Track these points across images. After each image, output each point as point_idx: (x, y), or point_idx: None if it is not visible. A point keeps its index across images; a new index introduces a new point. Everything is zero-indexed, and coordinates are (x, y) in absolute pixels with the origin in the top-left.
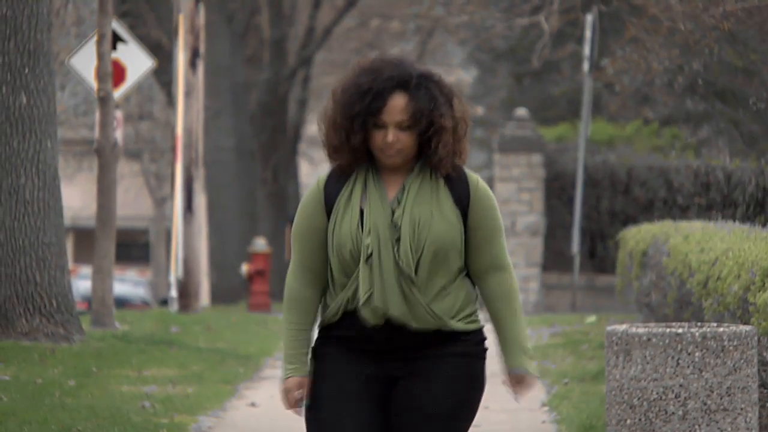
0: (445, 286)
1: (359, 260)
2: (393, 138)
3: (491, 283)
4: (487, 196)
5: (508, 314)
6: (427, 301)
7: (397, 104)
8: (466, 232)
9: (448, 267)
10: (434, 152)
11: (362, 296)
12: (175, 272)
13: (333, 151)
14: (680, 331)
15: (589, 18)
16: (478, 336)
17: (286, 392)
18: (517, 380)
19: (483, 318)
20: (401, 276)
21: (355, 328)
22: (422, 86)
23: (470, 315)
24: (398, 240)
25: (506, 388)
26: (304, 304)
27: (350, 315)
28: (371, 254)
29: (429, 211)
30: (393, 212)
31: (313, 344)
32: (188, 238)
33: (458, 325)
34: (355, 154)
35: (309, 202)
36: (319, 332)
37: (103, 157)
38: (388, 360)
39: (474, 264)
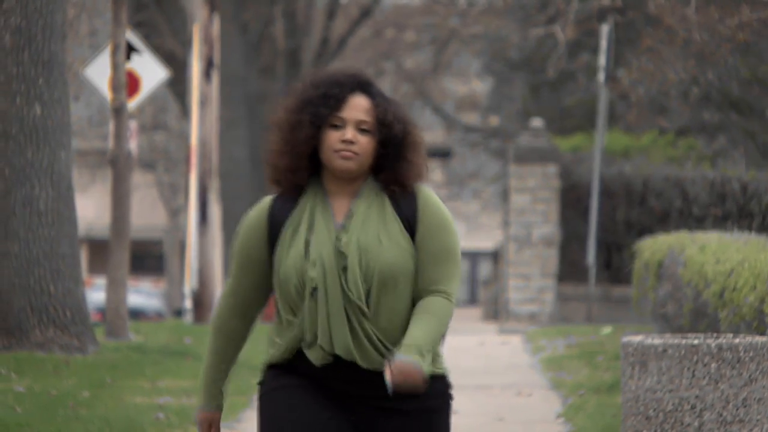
0: (402, 319)
1: (305, 296)
2: (352, 136)
3: (423, 300)
4: (438, 212)
5: (420, 318)
6: (383, 336)
7: (360, 103)
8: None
9: (402, 297)
10: (398, 166)
11: (307, 338)
12: (190, 283)
13: (275, 154)
14: (696, 342)
15: (605, 28)
16: (443, 384)
17: (200, 425)
18: (398, 368)
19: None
20: (350, 308)
21: (308, 365)
22: (385, 96)
23: (434, 358)
24: (345, 269)
25: (385, 376)
26: (229, 335)
27: (301, 354)
28: (315, 288)
29: (376, 236)
30: (340, 239)
31: (261, 378)
32: (202, 249)
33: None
34: (296, 158)
35: (251, 228)
36: (270, 371)
37: (118, 167)
38: (351, 398)
39: (415, 288)
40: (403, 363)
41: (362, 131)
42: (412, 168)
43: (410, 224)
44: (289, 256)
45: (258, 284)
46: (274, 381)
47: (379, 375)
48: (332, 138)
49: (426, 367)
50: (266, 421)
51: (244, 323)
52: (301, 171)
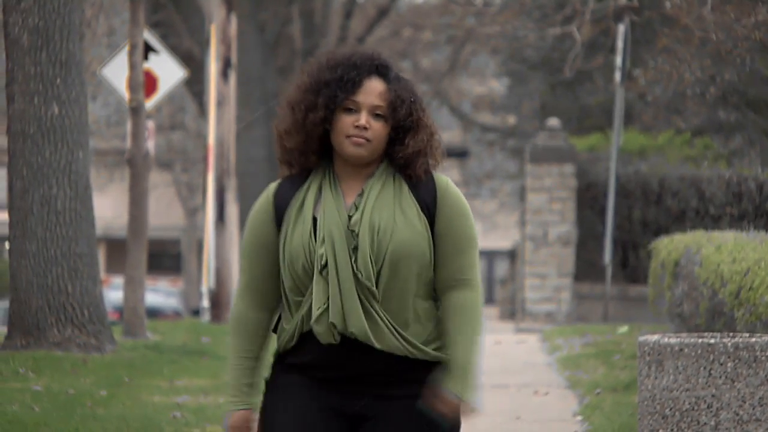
0: (413, 304)
1: (313, 274)
2: (366, 122)
3: (452, 298)
4: (458, 200)
5: (463, 333)
6: (393, 320)
7: (375, 87)
8: (433, 241)
9: (415, 282)
10: (409, 148)
11: (315, 312)
12: (207, 282)
13: (284, 134)
14: (712, 341)
15: (621, 28)
16: None
17: (233, 429)
18: (444, 402)
19: None
20: (360, 289)
21: (313, 353)
22: (401, 79)
23: (442, 347)
24: (356, 249)
25: (423, 404)
26: (250, 329)
27: (307, 337)
28: (326, 265)
29: (391, 216)
30: (350, 218)
31: (268, 373)
32: (220, 248)
33: (432, 353)
34: (307, 139)
35: (258, 214)
36: (276, 360)
37: (135, 167)
38: (353, 392)
39: (437, 277)
40: (451, 401)
41: (376, 116)
42: (417, 150)
43: (429, 210)
44: (295, 233)
45: (272, 272)
46: (279, 374)
47: (388, 357)
48: (345, 122)
49: (472, 398)
50: (263, 421)
51: (263, 315)
52: (312, 153)
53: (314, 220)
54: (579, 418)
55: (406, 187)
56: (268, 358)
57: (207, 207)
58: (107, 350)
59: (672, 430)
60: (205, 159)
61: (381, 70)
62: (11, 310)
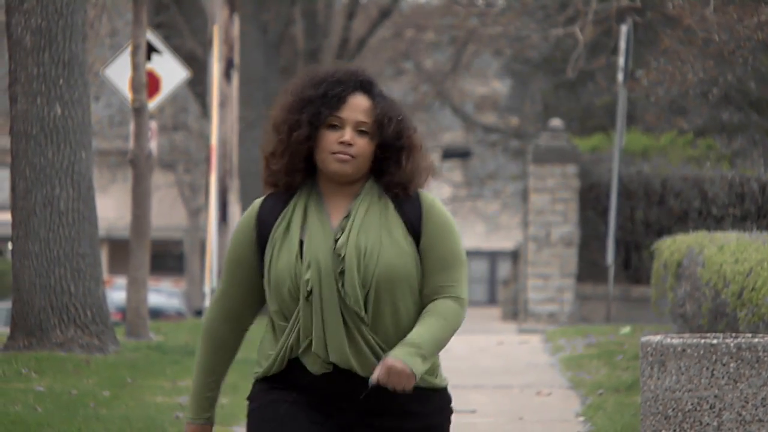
0: (402, 326)
1: (299, 300)
2: (350, 138)
3: (434, 303)
4: (444, 217)
5: (427, 318)
6: (383, 343)
7: (360, 103)
8: (420, 260)
9: (404, 304)
10: (401, 170)
11: (302, 343)
12: (210, 283)
13: (270, 157)
14: (715, 341)
15: (624, 28)
16: (443, 399)
17: None
18: (387, 365)
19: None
20: (348, 314)
21: (302, 379)
22: (385, 97)
23: (434, 369)
24: (342, 273)
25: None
26: (218, 342)
27: (296, 363)
28: (311, 291)
29: (377, 237)
30: (336, 241)
31: (252, 398)
32: (222, 249)
33: (424, 377)
34: (292, 159)
35: (241, 233)
36: (261, 385)
37: (138, 167)
38: (343, 419)
39: (423, 294)
40: (393, 361)
41: (361, 132)
42: (414, 171)
43: (415, 229)
44: (281, 257)
45: (248, 289)
46: (264, 396)
47: (381, 388)
48: (329, 139)
49: (418, 368)
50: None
51: (234, 331)
52: (297, 173)
53: (301, 243)
54: (581, 418)
55: (391, 206)
56: (251, 381)
57: (210, 207)
58: (110, 351)
59: (674, 430)
60: (207, 159)
61: (365, 86)
62: (14, 310)
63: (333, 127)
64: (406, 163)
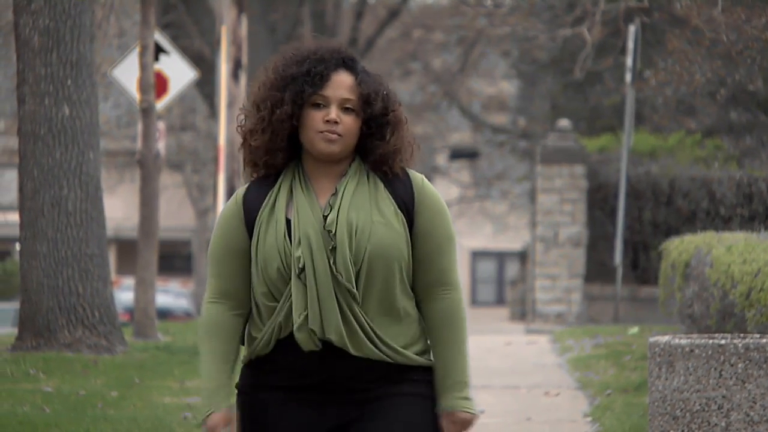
0: (393, 305)
1: (289, 278)
2: (336, 116)
3: (437, 305)
4: (435, 198)
5: (451, 344)
6: (373, 322)
7: (344, 80)
8: (411, 241)
9: (394, 283)
10: (387, 144)
11: (296, 318)
12: None
13: (250, 134)
14: (723, 342)
15: (632, 29)
16: (432, 375)
17: (215, 429)
18: (452, 419)
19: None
20: (340, 292)
21: (290, 360)
22: (369, 73)
23: (425, 350)
24: (334, 250)
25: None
26: (228, 332)
27: (284, 344)
28: (303, 268)
29: (368, 215)
30: (325, 219)
31: (240, 387)
32: None
33: (414, 357)
34: (273, 137)
35: (226, 218)
36: (248, 371)
37: (146, 168)
38: (334, 403)
39: (418, 280)
40: (464, 416)
41: (346, 110)
42: (398, 145)
43: (407, 209)
44: (268, 236)
45: (244, 278)
46: (253, 381)
47: (369, 363)
48: (314, 118)
49: (471, 405)
50: (246, 428)
51: (237, 319)
52: (279, 152)
53: (287, 222)
54: (589, 419)
55: (381, 185)
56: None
57: (217, 208)
58: (118, 351)
59: (682, 431)
60: (215, 160)
61: (348, 63)
62: (22, 311)
63: (317, 105)
64: (390, 137)
